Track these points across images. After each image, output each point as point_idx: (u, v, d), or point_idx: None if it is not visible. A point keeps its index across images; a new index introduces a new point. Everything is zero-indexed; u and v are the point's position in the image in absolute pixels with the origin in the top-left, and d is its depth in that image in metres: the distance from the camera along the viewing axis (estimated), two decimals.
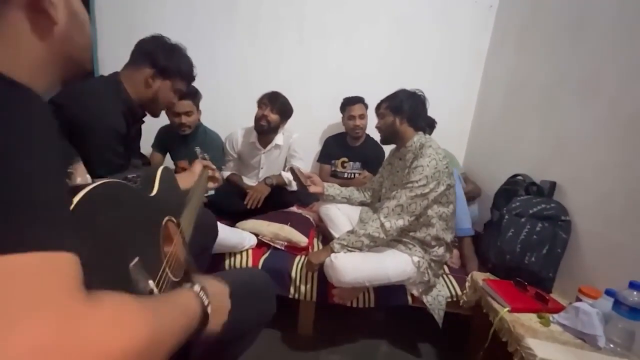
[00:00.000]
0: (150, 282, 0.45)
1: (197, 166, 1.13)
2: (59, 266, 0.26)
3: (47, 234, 0.26)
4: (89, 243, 0.35)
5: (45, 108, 0.34)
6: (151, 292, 0.44)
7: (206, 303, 0.47)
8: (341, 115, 2.15)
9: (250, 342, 0.86)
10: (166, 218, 0.60)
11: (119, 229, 0.42)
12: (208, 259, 1.25)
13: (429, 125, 1.97)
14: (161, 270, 0.51)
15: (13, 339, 0.22)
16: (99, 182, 0.40)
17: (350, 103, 2.09)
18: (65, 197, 0.32)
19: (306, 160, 2.23)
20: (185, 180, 0.99)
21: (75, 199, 0.34)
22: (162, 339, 0.31)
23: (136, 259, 0.43)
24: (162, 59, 1.02)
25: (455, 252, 1.63)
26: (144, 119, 1.14)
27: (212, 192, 1.53)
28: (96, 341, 0.25)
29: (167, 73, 1.04)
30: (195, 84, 1.74)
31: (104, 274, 0.36)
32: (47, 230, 0.27)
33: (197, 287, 0.48)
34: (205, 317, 0.46)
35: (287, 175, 1.77)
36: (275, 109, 1.83)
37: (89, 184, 0.38)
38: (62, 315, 0.24)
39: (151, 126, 1.87)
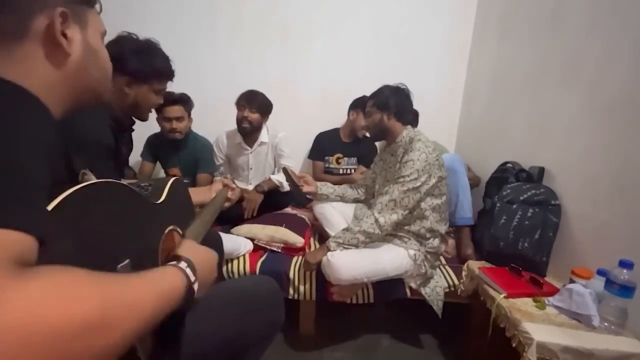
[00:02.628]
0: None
1: (217, 184, 1.09)
2: (3, 241, 0.27)
3: (7, 212, 0.29)
4: (76, 237, 0.35)
5: (45, 112, 0.39)
6: None
7: (193, 279, 0.46)
8: (348, 112, 2.13)
9: (261, 352, 0.85)
10: (170, 227, 0.60)
11: (111, 228, 0.42)
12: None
13: (414, 118, 1.99)
14: None
15: None
16: (97, 180, 0.40)
17: (358, 105, 2.04)
18: (39, 188, 0.33)
19: (296, 158, 2.23)
20: (199, 194, 0.97)
21: (66, 193, 0.35)
22: (120, 314, 0.30)
23: (127, 261, 0.42)
24: (132, 63, 0.93)
25: (451, 241, 1.64)
26: (133, 127, 1.11)
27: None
28: (24, 315, 0.24)
29: (142, 77, 0.96)
30: (180, 89, 1.75)
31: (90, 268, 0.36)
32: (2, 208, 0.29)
33: (183, 264, 0.46)
34: (190, 292, 0.45)
35: (277, 178, 1.78)
36: (254, 108, 1.84)
37: (87, 182, 0.39)
38: None
39: (139, 136, 1.87)
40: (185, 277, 0.45)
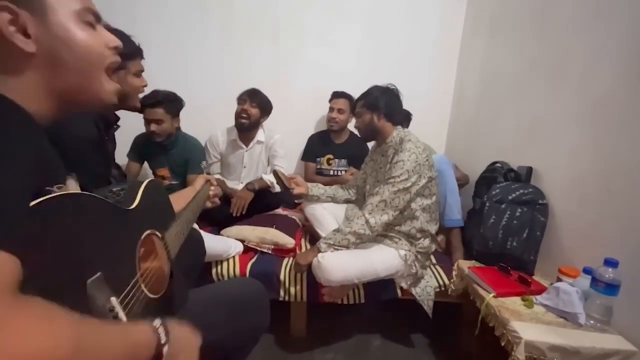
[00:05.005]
0: (113, 299, 0.42)
1: (200, 181, 1.04)
2: None
3: None
4: (42, 252, 0.34)
5: (23, 120, 0.36)
6: (112, 309, 0.42)
7: (163, 341, 0.43)
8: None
9: (245, 355, 0.84)
10: (147, 231, 0.59)
11: (80, 242, 0.40)
12: (196, 276, 1.20)
13: (405, 118, 2.00)
14: (130, 286, 0.49)
15: None
16: (62, 192, 0.38)
17: (335, 96, 2.13)
18: (20, 201, 0.32)
19: (289, 159, 2.22)
20: (185, 197, 0.93)
21: (32, 204, 0.34)
22: (89, 357, 0.30)
23: (98, 274, 0.41)
24: None
25: (441, 236, 1.65)
26: (118, 123, 1.08)
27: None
28: (10, 344, 0.24)
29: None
30: (169, 89, 1.72)
31: (54, 286, 0.34)
32: None
33: (157, 322, 0.44)
34: (158, 356, 0.42)
35: (269, 178, 1.77)
36: (254, 104, 1.85)
37: (53, 194, 0.36)
38: None
39: (126, 136, 1.83)
40: (155, 338, 0.42)
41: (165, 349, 0.43)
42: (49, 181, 0.39)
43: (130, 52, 0.96)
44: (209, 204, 1.06)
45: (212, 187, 1.08)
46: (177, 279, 0.66)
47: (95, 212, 0.45)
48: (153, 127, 1.69)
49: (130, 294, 0.48)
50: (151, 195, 0.63)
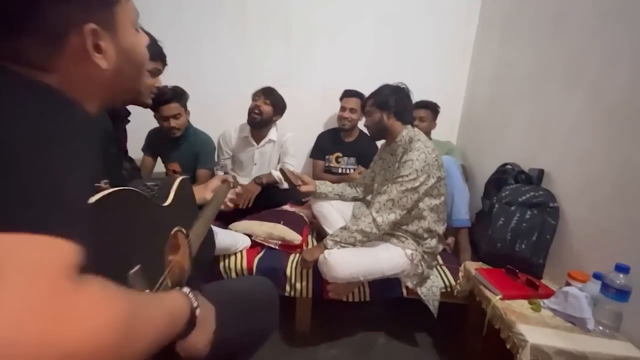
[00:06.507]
0: (147, 291, 0.45)
1: (215, 181, 1.05)
2: (59, 249, 0.28)
3: (59, 222, 0.29)
4: (94, 245, 0.35)
5: (87, 121, 0.40)
6: None
7: (195, 305, 0.47)
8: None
9: (251, 354, 0.85)
10: (176, 228, 0.61)
11: (125, 236, 0.43)
12: (207, 270, 1.21)
13: (432, 110, 2.03)
14: (162, 279, 0.51)
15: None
16: (110, 190, 0.40)
17: (346, 95, 2.11)
18: (86, 196, 0.35)
19: (299, 157, 2.23)
20: (196, 193, 0.96)
21: (91, 200, 0.36)
22: (140, 330, 0.32)
23: (137, 267, 0.43)
24: None
25: (451, 238, 1.65)
26: (129, 118, 1.11)
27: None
28: (75, 319, 0.26)
29: None
30: (182, 85, 1.75)
31: (101, 276, 0.36)
32: (60, 218, 0.30)
33: (185, 289, 0.48)
34: (192, 318, 0.47)
35: (277, 173, 1.78)
36: (268, 101, 1.87)
37: (105, 190, 0.39)
38: (49, 290, 0.26)
39: (141, 130, 1.87)
40: (189, 302, 0.47)
41: (197, 312, 0.48)
42: (98, 176, 0.42)
43: (152, 52, 0.99)
44: (229, 205, 1.08)
45: (231, 190, 1.08)
46: (194, 276, 0.68)
47: (138, 208, 0.48)
48: (173, 122, 1.73)
49: (161, 288, 0.51)
50: (182, 193, 0.66)
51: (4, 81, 0.36)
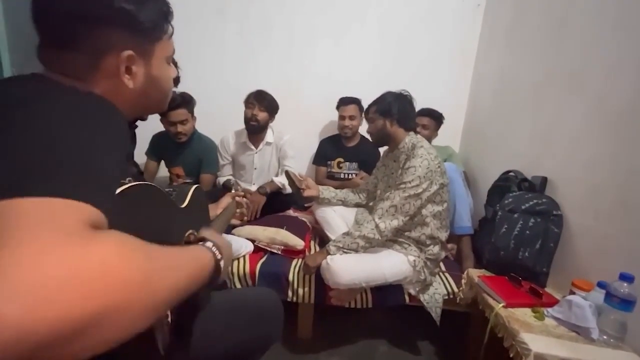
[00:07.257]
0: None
1: (226, 199, 1.06)
2: (83, 210, 0.30)
3: (83, 191, 0.31)
4: (122, 229, 0.37)
5: (123, 119, 0.44)
6: None
7: (219, 257, 0.50)
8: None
9: None
10: (190, 231, 0.62)
11: (146, 226, 0.44)
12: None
13: (436, 120, 2.01)
14: None
15: (20, 252, 0.25)
16: (136, 182, 0.43)
17: (343, 103, 2.12)
18: (115, 175, 0.38)
19: (301, 162, 2.25)
20: (210, 210, 0.96)
21: (123, 187, 0.39)
22: (164, 276, 0.33)
23: None
24: None
25: (453, 245, 1.64)
26: (136, 123, 1.12)
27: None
28: (99, 267, 0.27)
29: None
30: (186, 90, 1.77)
31: None
32: (84, 188, 0.32)
33: (209, 243, 0.50)
34: (217, 269, 0.49)
35: (280, 180, 1.80)
36: (262, 107, 1.88)
37: (127, 183, 0.42)
38: (73, 241, 0.27)
39: (144, 134, 1.89)
40: (213, 255, 0.49)
41: (222, 263, 0.50)
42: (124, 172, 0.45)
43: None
44: (236, 220, 1.11)
45: (239, 209, 1.09)
46: None
47: (160, 204, 0.51)
48: (180, 128, 1.75)
49: None
50: (197, 200, 0.69)
51: (56, 87, 0.41)
